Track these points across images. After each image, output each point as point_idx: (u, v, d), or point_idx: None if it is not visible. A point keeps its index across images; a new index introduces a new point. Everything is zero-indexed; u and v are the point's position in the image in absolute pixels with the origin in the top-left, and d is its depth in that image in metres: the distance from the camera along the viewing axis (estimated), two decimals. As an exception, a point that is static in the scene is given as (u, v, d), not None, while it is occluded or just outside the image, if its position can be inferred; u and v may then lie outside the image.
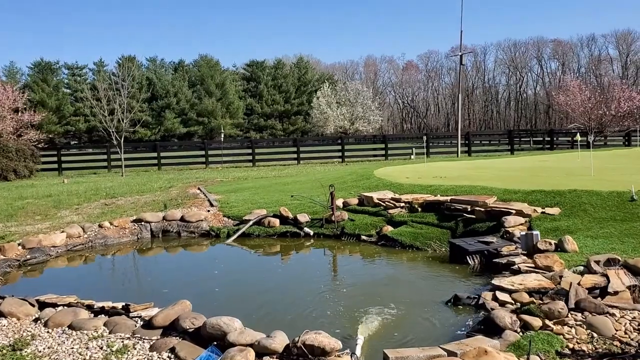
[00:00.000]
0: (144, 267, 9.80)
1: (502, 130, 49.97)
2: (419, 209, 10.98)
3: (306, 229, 11.21)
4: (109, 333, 5.68)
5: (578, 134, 17.40)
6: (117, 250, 10.90)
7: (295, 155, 29.96)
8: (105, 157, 29.15)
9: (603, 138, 32.81)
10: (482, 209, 9.91)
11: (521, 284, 6.70)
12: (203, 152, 29.72)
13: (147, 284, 8.35)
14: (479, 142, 34.09)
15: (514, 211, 9.52)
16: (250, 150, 30.04)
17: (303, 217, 11.46)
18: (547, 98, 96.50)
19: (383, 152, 30.62)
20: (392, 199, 11.58)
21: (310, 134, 66.92)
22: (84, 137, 74.30)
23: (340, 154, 30.11)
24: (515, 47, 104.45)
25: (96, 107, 27.13)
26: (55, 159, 28.93)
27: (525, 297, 6.52)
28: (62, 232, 10.97)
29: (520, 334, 5.29)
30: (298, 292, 7.53)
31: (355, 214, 11.53)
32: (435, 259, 9.14)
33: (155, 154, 29.16)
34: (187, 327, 5.46)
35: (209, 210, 12.90)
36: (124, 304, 6.28)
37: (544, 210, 9.66)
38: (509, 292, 6.63)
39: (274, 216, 11.65)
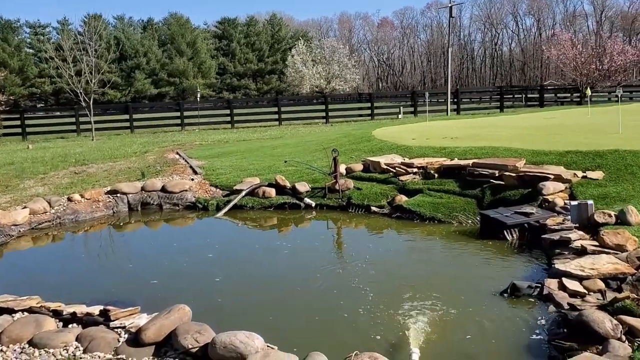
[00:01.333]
0: (123, 249, 8.36)
1: (492, 87, 48.61)
2: (436, 175, 9.67)
3: (307, 200, 9.85)
4: (84, 352, 4.30)
5: (589, 88, 16.20)
6: (89, 227, 9.44)
7: (276, 116, 28.32)
8: (73, 120, 27.13)
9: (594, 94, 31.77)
10: (513, 174, 8.64)
11: (593, 269, 5.48)
12: (178, 114, 27.90)
13: (130, 272, 6.94)
14: (467, 99, 32.79)
15: (552, 176, 8.27)
16: (228, 111, 28.28)
17: (302, 187, 10.09)
18: (523, 55, 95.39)
19: (369, 111, 29.16)
20: (403, 164, 10.25)
21: (285, 94, 64.97)
22: (50, 99, 71.00)
23: (323, 114, 28.56)
24: (490, 3, 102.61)
25: (62, 68, 25.00)
26: (18, 122, 26.86)
27: (600, 285, 5.33)
28: (25, 207, 9.43)
29: (628, 345, 4.04)
30: (316, 281, 6.21)
31: (361, 182, 10.18)
32: (463, 233, 7.88)
33: (127, 116, 27.24)
34: (189, 346, 4.10)
35: (192, 179, 11.43)
36: (101, 308, 4.88)
37: (585, 174, 8.44)
38: (579, 278, 5.42)
39: (270, 185, 10.25)
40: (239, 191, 10.19)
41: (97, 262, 7.75)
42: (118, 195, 10.45)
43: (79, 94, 24.33)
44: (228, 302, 5.68)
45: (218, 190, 10.75)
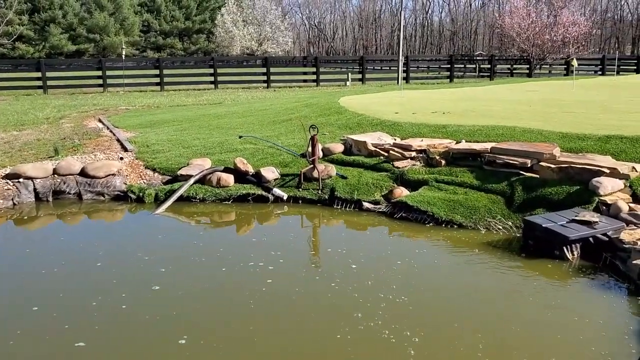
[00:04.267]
0: (23, 266, 5.81)
1: (442, 55, 47.06)
2: (442, 162, 7.62)
3: (277, 191, 7.57)
4: None
5: (574, 59, 14.58)
6: (-22, 226, 6.84)
7: (211, 79, 25.52)
8: (-27, 76, 23.27)
9: (547, 66, 30.75)
10: (552, 165, 6.70)
11: None
12: (100, 73, 24.53)
13: (29, 317, 4.49)
14: (415, 67, 31.00)
15: (606, 170, 6.37)
16: (157, 72, 25.16)
17: (270, 173, 7.80)
18: (452, 24, 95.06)
19: (314, 76, 26.81)
20: (397, 145, 8.12)
21: (214, 55, 61.24)
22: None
23: (264, 77, 25.99)
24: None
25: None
26: None
27: None
28: None
29: None
30: (326, 330, 4.03)
31: (344, 168, 8.01)
32: (498, 246, 5.90)
33: (39, 74, 23.62)
34: None
35: (122, 158, 8.88)
36: None
37: (645, 168, 6.61)
38: None
39: (227, 171, 7.89)
40: (185, 177, 7.78)
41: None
42: (21, 180, 7.80)
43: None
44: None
45: (156, 174, 8.28)
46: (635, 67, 30.94)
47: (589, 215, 5.73)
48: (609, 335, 4.10)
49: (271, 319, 4.35)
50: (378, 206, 7.13)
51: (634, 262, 4.91)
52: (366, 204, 7.17)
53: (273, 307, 4.55)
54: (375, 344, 3.94)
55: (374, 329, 4.12)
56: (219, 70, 26.15)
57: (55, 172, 8.01)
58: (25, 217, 7.20)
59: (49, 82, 23.45)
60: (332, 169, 7.75)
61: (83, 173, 8.03)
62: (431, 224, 6.53)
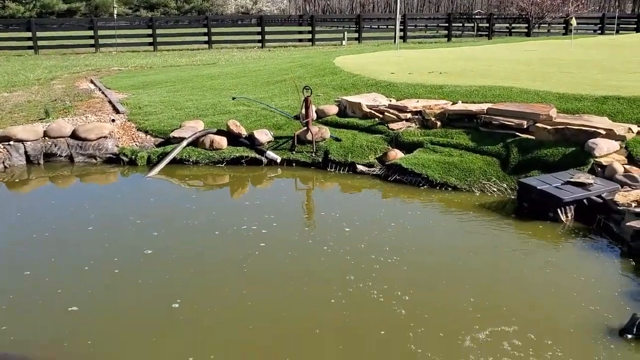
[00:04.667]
0: (14, 230, 5.76)
1: (441, 14, 46.30)
2: (438, 124, 7.53)
3: (270, 154, 7.51)
4: None
5: (573, 18, 14.34)
6: (-32, 190, 6.78)
7: (205, 38, 25.10)
8: (-39, 36, 22.83)
9: (546, 25, 30.31)
10: (548, 127, 6.63)
11: None
12: (91, 33, 24.08)
13: (21, 282, 4.46)
14: (412, 26, 30.50)
15: (602, 131, 6.31)
16: (149, 31, 24.68)
17: (263, 136, 7.71)
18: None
19: (309, 35, 26.36)
20: (392, 107, 8.02)
21: (208, 14, 60.19)
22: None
23: (259, 37, 25.54)
24: None
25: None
26: None
27: None
28: None
29: None
30: (319, 293, 4.03)
31: (338, 130, 7.93)
32: (493, 208, 5.88)
33: (29, 34, 23.19)
34: None
35: (114, 120, 8.76)
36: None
37: (640, 129, 6.55)
38: None
39: (219, 133, 7.80)
40: (178, 140, 7.69)
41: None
42: (11, 143, 7.70)
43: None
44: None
45: (149, 137, 8.19)
46: (635, 26, 30.48)
47: (583, 177, 5.69)
48: (601, 293, 4.11)
49: (264, 283, 4.34)
50: (372, 169, 7.07)
51: (628, 224, 4.89)
52: (360, 167, 7.12)
53: (266, 271, 4.54)
54: (367, 305, 3.94)
55: (365, 291, 4.12)
56: (213, 30, 25.70)
57: (46, 134, 7.91)
58: (17, 181, 7.14)
59: (40, 42, 23.04)
60: (326, 131, 7.67)
61: (74, 135, 7.93)
62: (425, 186, 6.49)
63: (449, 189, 6.39)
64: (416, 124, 7.69)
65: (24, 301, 4.09)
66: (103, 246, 5.01)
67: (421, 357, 3.34)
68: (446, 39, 27.54)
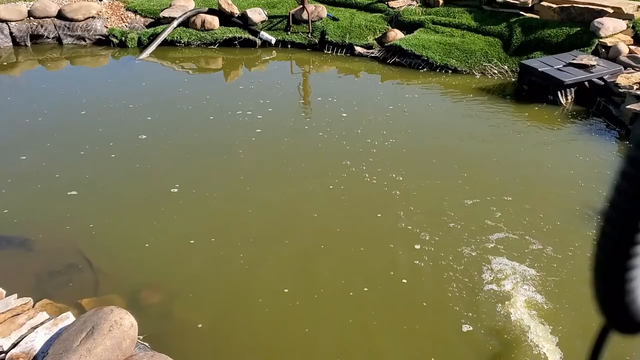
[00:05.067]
0: (6, 115, 5.65)
1: None
2: (440, 2, 7.23)
3: (264, 34, 7.25)
4: None
5: None
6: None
7: None
8: None
9: None
10: (553, 5, 6.36)
11: None
12: None
13: (18, 166, 4.44)
14: None
15: (609, 10, 6.06)
16: None
17: (256, 15, 7.41)
18: None
19: None
20: (392, -17, 7.64)
21: None
22: None
23: None
24: None
25: None
26: None
27: None
28: None
29: None
30: (315, 179, 4.05)
31: (335, 9, 7.61)
32: (493, 91, 5.78)
33: None
34: None
35: (101, 0, 8.37)
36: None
37: (650, 8, 6.28)
38: None
39: (211, 12, 7.48)
40: (168, 20, 7.40)
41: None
42: (-6, 24, 7.41)
43: None
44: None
45: (138, 17, 7.87)
46: None
47: (586, 59, 5.54)
48: (597, 171, 4.15)
49: (261, 169, 4.34)
50: (371, 50, 6.87)
51: (628, 106, 4.82)
52: (358, 49, 6.91)
53: (263, 157, 4.52)
54: (362, 188, 3.97)
55: (360, 175, 4.13)
56: None
57: (30, 14, 7.59)
58: (5, 63, 6.95)
59: None
60: (323, 10, 7.36)
61: (61, 16, 7.62)
62: (425, 69, 6.34)
63: (449, 71, 6.25)
64: (417, 2, 7.38)
65: (23, 185, 4.09)
66: (97, 131, 4.95)
67: (411, 233, 3.40)
68: None
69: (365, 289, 2.98)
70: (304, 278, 3.09)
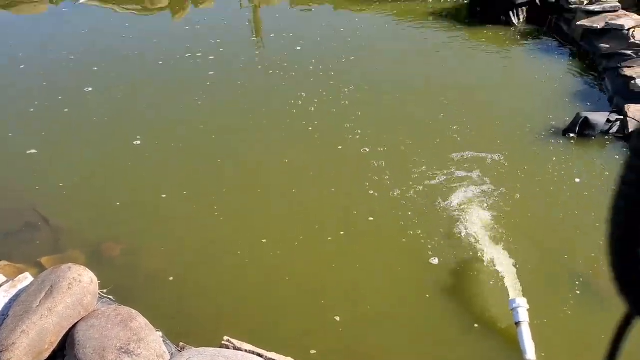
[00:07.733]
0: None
1: None
2: None
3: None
4: None
5: None
6: None
7: None
8: None
9: None
10: None
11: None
12: None
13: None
14: None
15: None
16: None
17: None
18: None
19: None
20: None
21: None
22: None
23: None
24: None
25: None
26: None
27: None
28: None
29: None
30: (273, 117, 3.98)
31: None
32: (446, 15, 5.74)
33: None
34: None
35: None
36: None
37: None
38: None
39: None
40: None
41: None
42: None
43: None
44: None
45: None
46: None
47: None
48: (551, 88, 4.24)
49: (220, 115, 4.20)
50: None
51: (578, 23, 4.84)
52: (306, -22, 6.68)
53: (220, 103, 4.36)
54: (326, 119, 3.92)
55: (322, 110, 4.07)
56: None
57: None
58: None
59: None
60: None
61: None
62: (380, -4, 6.21)
63: (404, -3, 6.14)
64: None
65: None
66: (42, 85, 4.70)
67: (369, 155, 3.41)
68: None
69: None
70: (281, 227, 3.05)
